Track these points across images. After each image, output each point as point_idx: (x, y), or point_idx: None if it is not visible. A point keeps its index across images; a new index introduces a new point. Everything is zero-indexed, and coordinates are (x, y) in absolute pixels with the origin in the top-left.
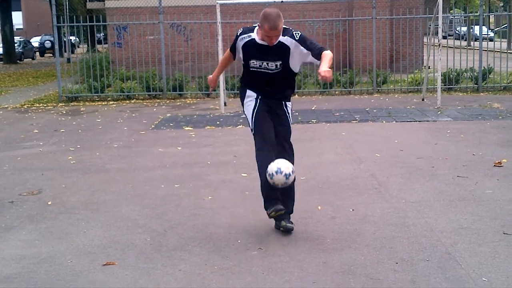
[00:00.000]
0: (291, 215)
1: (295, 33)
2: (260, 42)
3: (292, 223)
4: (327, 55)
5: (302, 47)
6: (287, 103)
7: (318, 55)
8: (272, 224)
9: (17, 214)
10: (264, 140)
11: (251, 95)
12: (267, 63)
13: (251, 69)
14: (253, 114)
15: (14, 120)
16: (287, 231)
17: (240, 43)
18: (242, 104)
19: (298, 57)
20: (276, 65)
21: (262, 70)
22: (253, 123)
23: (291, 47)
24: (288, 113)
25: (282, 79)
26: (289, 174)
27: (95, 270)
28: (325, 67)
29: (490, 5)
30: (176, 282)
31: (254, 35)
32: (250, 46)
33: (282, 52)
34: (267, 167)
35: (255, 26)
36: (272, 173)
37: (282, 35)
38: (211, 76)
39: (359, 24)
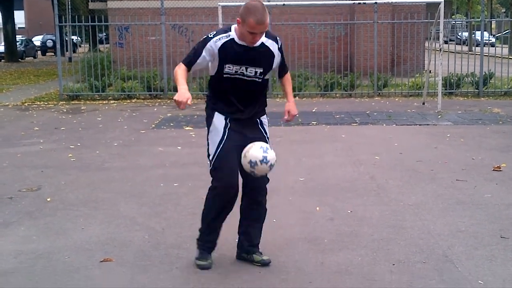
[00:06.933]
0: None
1: (278, 38)
2: (239, 43)
3: (265, 258)
4: (290, 81)
5: (281, 58)
6: (262, 119)
7: (283, 74)
8: (270, 222)
9: (16, 210)
10: (224, 179)
11: (218, 124)
12: (246, 68)
13: (224, 76)
14: (217, 150)
15: (14, 118)
16: (265, 265)
17: (215, 45)
18: (208, 131)
19: (276, 67)
20: (256, 72)
21: (238, 76)
22: (214, 159)
23: (275, 54)
24: (266, 132)
25: (257, 91)
26: (273, 165)
27: (93, 267)
28: (293, 106)
29: (492, 11)
30: (173, 280)
31: (233, 34)
32: (229, 47)
33: (266, 58)
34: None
35: (230, 26)
36: (256, 161)
37: (266, 37)
38: (181, 94)
39: (361, 28)
